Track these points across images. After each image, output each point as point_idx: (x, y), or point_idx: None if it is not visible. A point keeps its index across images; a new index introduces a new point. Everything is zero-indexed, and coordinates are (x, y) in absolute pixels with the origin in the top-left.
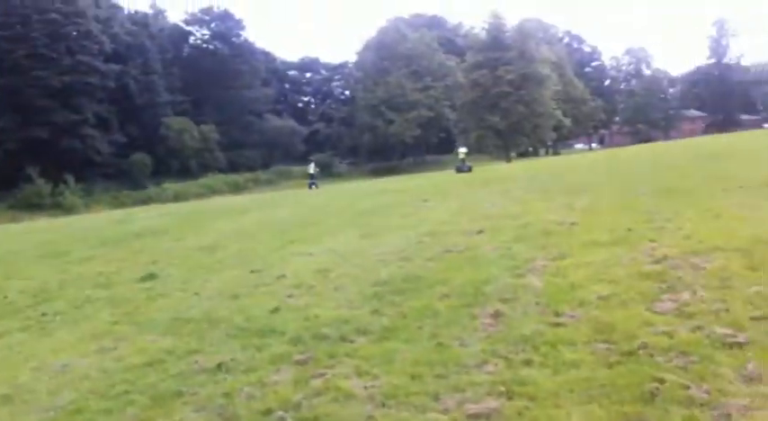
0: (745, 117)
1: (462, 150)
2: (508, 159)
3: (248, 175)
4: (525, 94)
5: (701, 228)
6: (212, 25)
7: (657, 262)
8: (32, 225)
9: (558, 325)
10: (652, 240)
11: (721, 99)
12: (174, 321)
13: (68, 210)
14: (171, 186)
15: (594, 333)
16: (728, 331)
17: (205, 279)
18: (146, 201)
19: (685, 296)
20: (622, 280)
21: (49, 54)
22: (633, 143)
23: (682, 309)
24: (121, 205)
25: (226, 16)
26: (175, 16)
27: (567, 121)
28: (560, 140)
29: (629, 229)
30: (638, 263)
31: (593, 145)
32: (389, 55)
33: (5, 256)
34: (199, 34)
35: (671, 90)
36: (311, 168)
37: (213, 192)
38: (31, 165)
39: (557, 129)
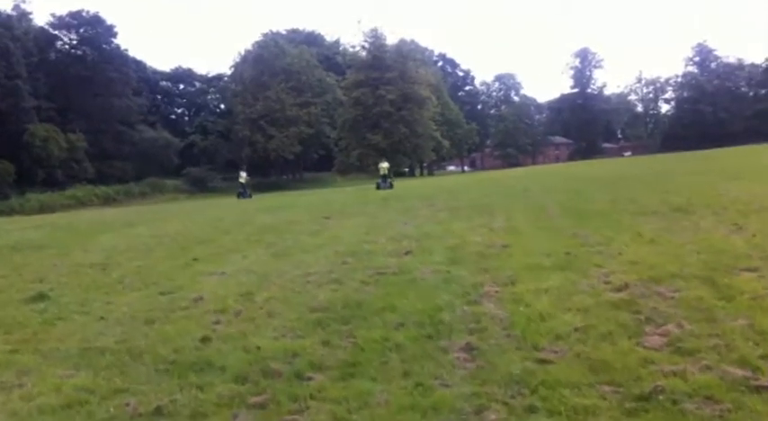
0: (606, 145)
1: (384, 165)
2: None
3: (119, 187)
4: (406, 115)
5: (643, 253)
6: (81, 30)
7: (620, 289)
8: None
9: (544, 362)
10: (598, 265)
11: (585, 127)
12: (86, 351)
13: None
14: (35, 197)
15: (591, 372)
16: (745, 373)
17: (107, 301)
18: (8, 213)
19: (672, 329)
20: (591, 309)
21: None
22: (504, 166)
23: (676, 344)
24: None
25: (95, 21)
26: (42, 19)
27: (446, 143)
28: (436, 161)
29: (568, 253)
30: (599, 290)
31: (466, 167)
32: (268, 69)
33: None
34: (66, 38)
35: (537, 116)
36: (243, 177)
37: (81, 204)
38: None
39: (435, 150)
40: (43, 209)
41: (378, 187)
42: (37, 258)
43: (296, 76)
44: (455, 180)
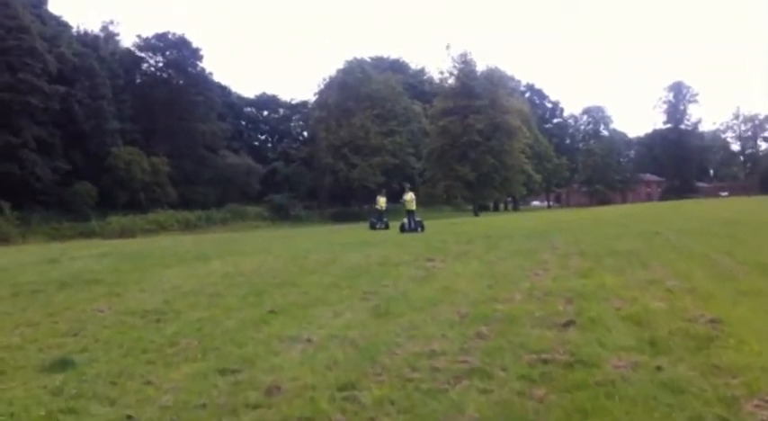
0: (699, 184)
1: (409, 197)
2: (476, 212)
3: (201, 213)
4: (495, 145)
5: None
6: (167, 52)
7: None
8: None
9: None
10: None
11: (678, 164)
12: None
13: (2, 239)
14: (117, 220)
15: None
16: None
17: (147, 378)
18: (88, 235)
19: None
20: None
21: None
22: (592, 203)
23: None
24: (61, 238)
25: (181, 44)
26: (128, 40)
27: (538, 177)
28: (521, 196)
29: None
30: None
31: (551, 203)
32: (353, 95)
33: None
34: (152, 61)
35: (627, 152)
36: (381, 202)
37: (163, 228)
38: None
39: (525, 184)
40: (124, 232)
41: (402, 229)
42: (83, 299)
43: (381, 103)
44: (552, 216)
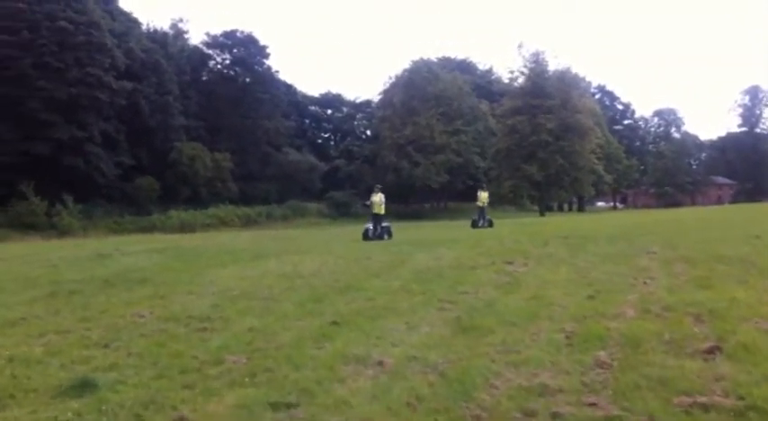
0: None
1: (377, 199)
2: (542, 213)
3: (261, 209)
4: (566, 146)
5: None
6: (234, 50)
7: None
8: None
9: None
10: None
11: (751, 168)
12: None
13: (64, 232)
14: (177, 214)
15: None
16: None
17: (179, 411)
18: (149, 230)
19: None
20: None
21: (55, 64)
22: (659, 205)
23: None
24: (122, 231)
25: (249, 41)
26: (197, 37)
27: (609, 178)
28: (588, 198)
29: None
30: None
31: (618, 204)
32: (419, 94)
33: None
34: (219, 58)
35: (698, 155)
36: (482, 198)
37: (223, 223)
38: (26, 181)
39: (594, 184)
40: (184, 227)
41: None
42: (124, 301)
43: (447, 102)
44: (628, 218)
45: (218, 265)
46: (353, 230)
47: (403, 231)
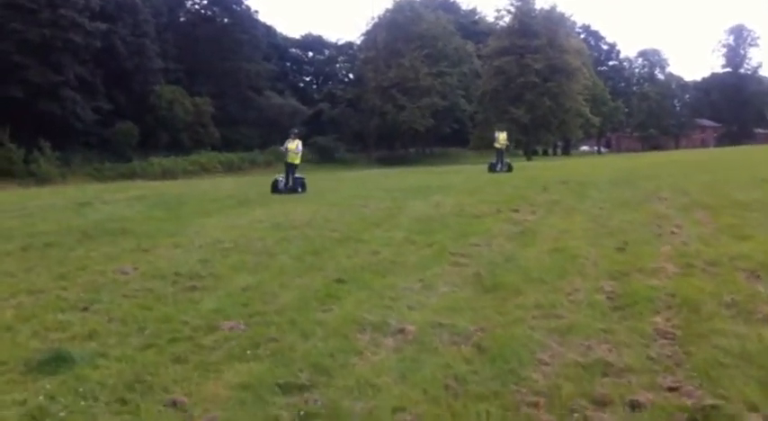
0: (759, 130)
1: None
2: (528, 157)
3: (244, 155)
4: (553, 87)
5: None
6: None
7: None
8: None
9: None
10: None
11: (736, 109)
12: None
13: (42, 180)
14: (159, 161)
15: None
16: None
17: (171, 394)
18: (130, 176)
19: None
20: None
21: (27, 5)
22: (644, 149)
23: None
24: (103, 179)
25: None
26: None
27: (597, 120)
28: (572, 142)
29: None
30: None
31: (602, 148)
32: (403, 35)
33: None
34: None
35: (684, 96)
36: (501, 140)
37: (205, 170)
38: (2, 127)
39: (582, 127)
40: (165, 174)
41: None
42: (105, 255)
43: (432, 43)
44: (618, 162)
45: (202, 214)
46: (336, 176)
47: (393, 177)
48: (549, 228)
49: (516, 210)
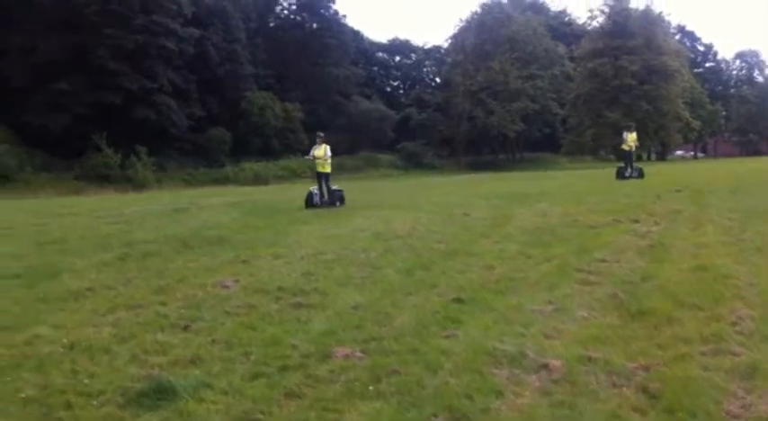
0: None
1: (322, 152)
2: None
3: (333, 160)
4: (651, 89)
5: None
6: None
7: None
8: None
9: None
10: None
11: None
12: None
13: (139, 184)
14: (250, 166)
15: None
16: None
17: None
18: (222, 181)
19: None
20: None
21: (121, 11)
22: (740, 154)
23: None
24: (196, 184)
25: None
26: None
27: (697, 124)
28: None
29: None
30: None
31: (699, 154)
32: (491, 38)
33: None
34: (286, 3)
35: None
36: (629, 141)
37: (296, 175)
38: (99, 133)
39: (680, 131)
40: (257, 179)
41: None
42: (204, 267)
43: (521, 45)
44: (728, 168)
45: (299, 222)
46: (428, 182)
47: (487, 183)
48: (682, 242)
49: (636, 221)
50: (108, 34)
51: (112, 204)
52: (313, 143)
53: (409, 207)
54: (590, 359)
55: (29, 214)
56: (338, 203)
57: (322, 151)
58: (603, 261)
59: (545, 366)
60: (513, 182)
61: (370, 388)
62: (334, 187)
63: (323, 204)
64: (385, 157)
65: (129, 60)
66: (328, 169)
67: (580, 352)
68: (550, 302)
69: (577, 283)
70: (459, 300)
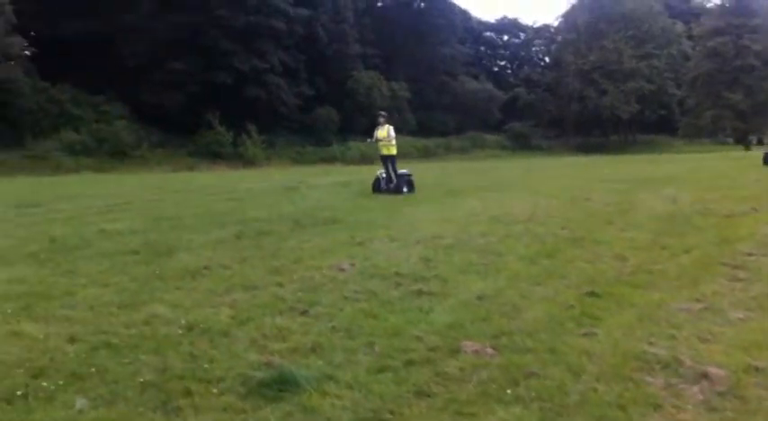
0: None
1: (384, 133)
2: (747, 146)
3: (440, 141)
4: None
5: None
6: None
7: None
8: (187, 178)
9: None
10: None
11: None
12: None
13: (249, 162)
14: (356, 146)
15: None
16: None
17: None
18: (329, 160)
19: None
20: None
21: None
22: None
23: None
24: (304, 162)
25: None
26: None
27: None
28: None
29: None
30: None
31: None
32: (605, 16)
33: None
34: None
35: None
36: None
37: (401, 155)
38: (211, 111)
39: None
40: (363, 159)
41: (377, 186)
42: (319, 248)
43: (636, 23)
44: None
45: (410, 203)
46: (540, 163)
47: (603, 166)
48: None
49: None
50: (220, 15)
51: (224, 181)
52: (422, 123)
53: (524, 189)
54: (757, 369)
55: (145, 189)
56: (405, 189)
57: (385, 132)
58: (750, 254)
59: (705, 375)
60: (632, 165)
61: (508, 391)
62: (402, 171)
63: (390, 190)
64: (491, 138)
65: (241, 41)
66: (393, 151)
67: (744, 360)
68: (698, 300)
69: (725, 279)
70: (593, 294)
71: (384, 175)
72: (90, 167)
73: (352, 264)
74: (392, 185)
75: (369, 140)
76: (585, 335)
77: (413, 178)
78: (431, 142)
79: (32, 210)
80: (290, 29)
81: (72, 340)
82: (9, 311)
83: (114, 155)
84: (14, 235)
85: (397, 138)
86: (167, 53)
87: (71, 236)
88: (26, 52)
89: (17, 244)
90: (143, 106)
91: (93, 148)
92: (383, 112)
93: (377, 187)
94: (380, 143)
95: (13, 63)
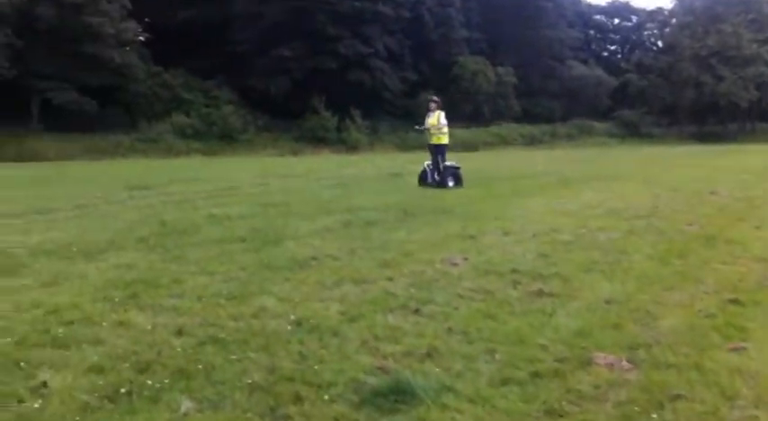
0: None
1: (434, 120)
2: None
3: (545, 128)
4: None
5: None
6: None
7: None
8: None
9: None
10: None
11: None
12: None
13: (352, 147)
14: (459, 133)
15: None
16: None
17: None
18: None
19: None
20: None
21: None
22: None
23: None
24: (406, 148)
25: None
26: None
27: None
28: None
29: None
30: None
31: None
32: None
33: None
34: None
35: None
36: None
37: (505, 142)
38: (317, 96)
39: None
40: (466, 146)
41: (423, 179)
42: (429, 240)
43: (757, 7)
44: None
45: (521, 194)
46: (656, 153)
47: (726, 157)
48: None
49: None
50: (327, 1)
51: (329, 166)
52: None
53: (641, 180)
54: None
55: (252, 174)
56: (451, 183)
57: (435, 119)
58: None
59: None
60: (755, 156)
61: (653, 415)
62: (449, 163)
63: (435, 183)
64: (600, 125)
65: (346, 26)
66: (444, 140)
67: None
68: None
69: None
70: (736, 302)
71: (432, 167)
72: (199, 150)
73: (465, 259)
74: (437, 178)
75: (418, 128)
76: (734, 350)
77: (461, 171)
78: (536, 129)
79: (144, 192)
80: (396, 13)
81: (179, 333)
82: (117, 300)
83: (222, 138)
84: (126, 218)
85: (500, 124)
86: (275, 38)
87: (181, 220)
88: (140, 38)
89: (128, 227)
90: (250, 91)
91: (203, 132)
92: (435, 97)
93: (423, 179)
94: (431, 131)
95: (128, 48)
